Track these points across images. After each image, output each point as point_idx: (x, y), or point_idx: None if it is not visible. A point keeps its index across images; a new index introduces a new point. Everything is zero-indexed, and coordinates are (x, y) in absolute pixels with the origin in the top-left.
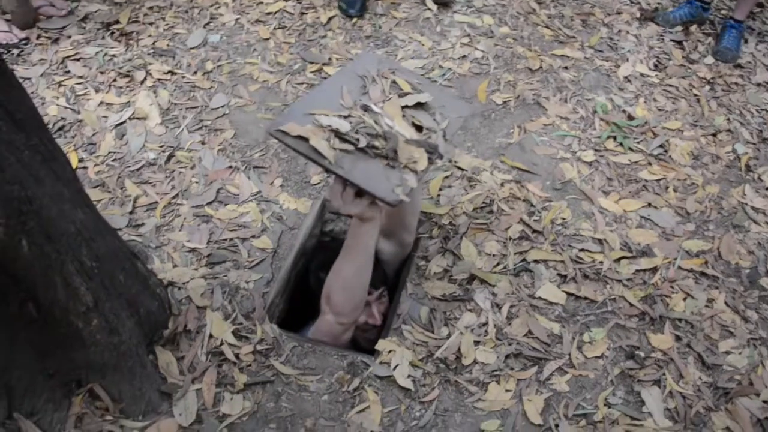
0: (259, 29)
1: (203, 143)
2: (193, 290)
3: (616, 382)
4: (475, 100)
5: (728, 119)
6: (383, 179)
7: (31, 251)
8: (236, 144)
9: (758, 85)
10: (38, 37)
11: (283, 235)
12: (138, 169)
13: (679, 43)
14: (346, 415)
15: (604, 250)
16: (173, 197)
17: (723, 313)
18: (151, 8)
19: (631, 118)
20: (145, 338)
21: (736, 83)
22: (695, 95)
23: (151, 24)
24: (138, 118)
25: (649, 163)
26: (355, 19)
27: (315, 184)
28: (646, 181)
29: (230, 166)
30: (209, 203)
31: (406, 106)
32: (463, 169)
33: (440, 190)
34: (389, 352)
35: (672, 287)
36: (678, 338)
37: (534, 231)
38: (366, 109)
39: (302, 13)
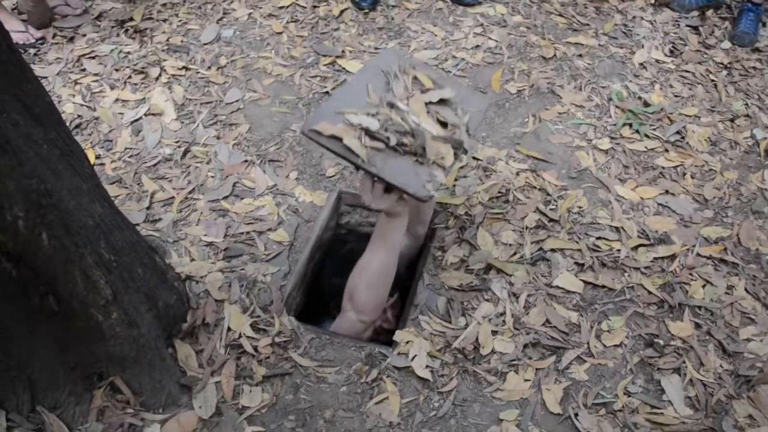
0: (272, 23)
1: (218, 138)
2: (211, 284)
3: (635, 370)
4: (489, 89)
5: (746, 104)
6: (413, 176)
7: (51, 244)
8: (251, 138)
9: None
10: (54, 36)
11: (299, 227)
12: (154, 165)
13: (695, 28)
14: (364, 407)
15: (622, 238)
16: (190, 192)
17: (743, 300)
18: (164, 5)
19: (646, 104)
20: (164, 331)
21: (754, 67)
22: (712, 80)
23: (164, 21)
24: (153, 115)
25: (666, 150)
26: (367, 11)
27: (330, 177)
28: (663, 168)
29: (246, 160)
30: (225, 197)
31: (430, 102)
32: (478, 159)
33: (456, 180)
34: (407, 342)
35: (691, 274)
36: (698, 326)
37: (550, 220)
38: (392, 106)
39: (315, 6)
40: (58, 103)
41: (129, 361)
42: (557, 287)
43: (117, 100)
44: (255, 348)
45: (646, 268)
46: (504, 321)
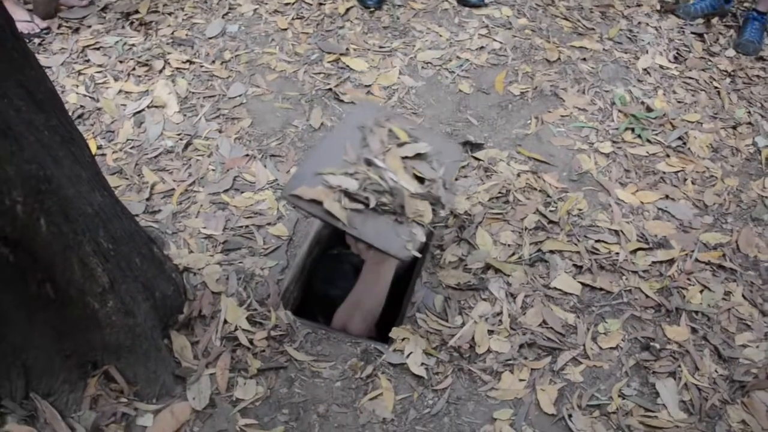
0: (277, 19)
1: (220, 131)
2: (209, 276)
3: (630, 373)
4: (493, 90)
5: (749, 112)
6: (394, 236)
7: (49, 230)
8: (253, 132)
9: None
10: (59, 26)
11: (298, 222)
12: (156, 157)
13: (700, 35)
14: (358, 402)
15: (621, 241)
16: (190, 184)
17: (740, 306)
18: None
19: (649, 109)
20: (160, 322)
21: (757, 75)
22: (715, 88)
23: (170, 14)
24: (156, 107)
25: (668, 155)
26: (373, 10)
27: None
28: (664, 173)
29: (247, 155)
30: (226, 191)
31: (406, 157)
32: (479, 160)
33: (456, 180)
34: (403, 339)
35: (689, 279)
36: (694, 330)
37: (550, 221)
38: (369, 163)
39: (320, 4)
40: (61, 93)
41: (124, 350)
42: (555, 288)
43: (120, 91)
44: (250, 341)
45: (644, 271)
46: (501, 321)
